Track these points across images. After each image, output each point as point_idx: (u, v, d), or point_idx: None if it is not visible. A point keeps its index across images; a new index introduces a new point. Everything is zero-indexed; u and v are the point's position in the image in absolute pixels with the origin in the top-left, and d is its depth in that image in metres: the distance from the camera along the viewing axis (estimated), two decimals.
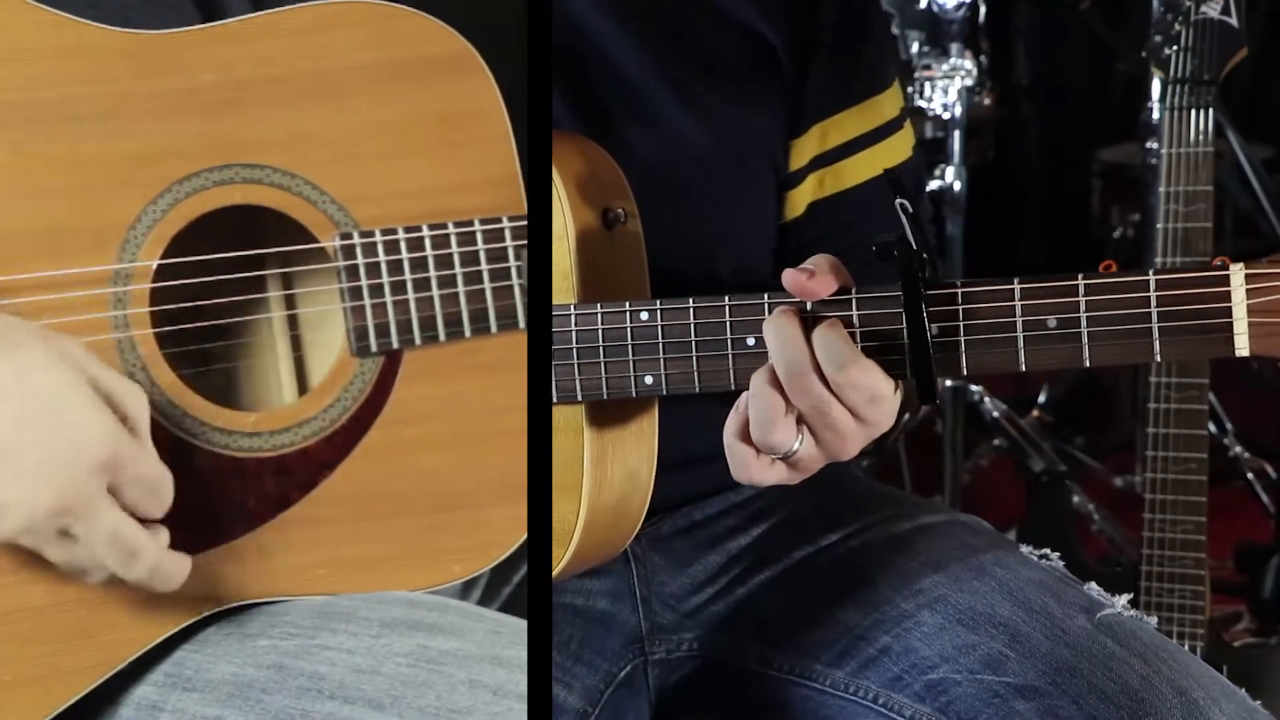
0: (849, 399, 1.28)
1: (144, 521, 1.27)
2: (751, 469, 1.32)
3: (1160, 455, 2.32)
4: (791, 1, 1.53)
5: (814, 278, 1.29)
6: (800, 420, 1.29)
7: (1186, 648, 1.91)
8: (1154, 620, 1.46)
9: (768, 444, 1.29)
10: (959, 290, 1.28)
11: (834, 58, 1.54)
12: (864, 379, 1.27)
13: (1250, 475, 3.38)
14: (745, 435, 1.31)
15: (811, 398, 1.28)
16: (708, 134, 1.52)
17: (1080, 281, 1.26)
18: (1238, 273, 1.23)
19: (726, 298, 1.33)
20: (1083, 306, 1.26)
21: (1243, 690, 1.39)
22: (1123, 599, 1.45)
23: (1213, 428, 3.13)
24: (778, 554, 1.56)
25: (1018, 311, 1.27)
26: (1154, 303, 1.25)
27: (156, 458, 1.27)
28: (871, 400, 1.28)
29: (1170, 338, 1.25)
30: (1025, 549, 1.53)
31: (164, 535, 1.28)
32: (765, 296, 1.32)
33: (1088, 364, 1.27)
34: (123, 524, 1.26)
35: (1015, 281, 1.27)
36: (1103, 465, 3.61)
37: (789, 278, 1.29)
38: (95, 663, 1.33)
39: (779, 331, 1.28)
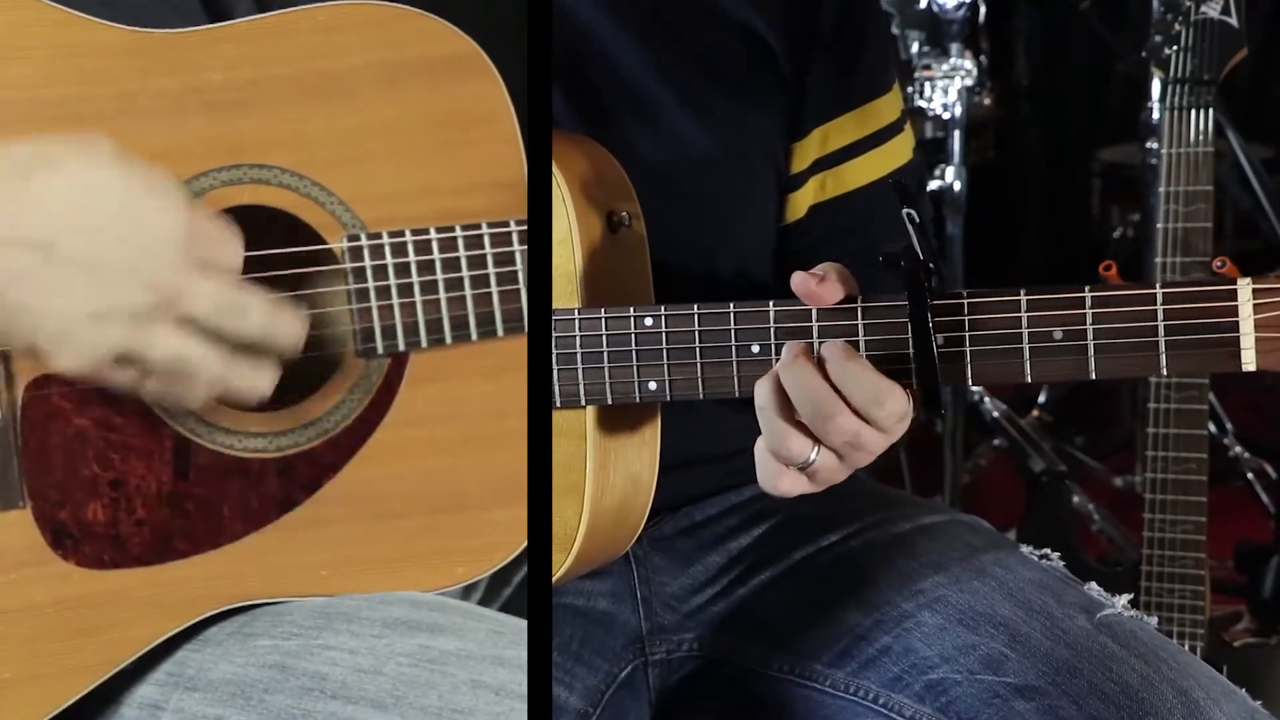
0: (881, 425, 1.28)
1: None
2: (778, 480, 1.32)
3: (1160, 455, 2.32)
4: (791, 4, 1.53)
5: (823, 283, 1.29)
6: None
7: (1186, 648, 1.91)
8: (1154, 620, 1.46)
9: (782, 455, 1.29)
10: (965, 301, 1.28)
11: (834, 61, 1.55)
12: (898, 406, 1.27)
13: (1250, 475, 3.38)
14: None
15: (844, 435, 1.27)
16: (709, 135, 1.52)
17: (1087, 294, 1.26)
18: (1245, 288, 1.23)
19: (731, 305, 1.33)
20: (1089, 319, 1.26)
21: (1243, 690, 1.40)
22: (1123, 599, 1.45)
23: (1213, 428, 3.13)
24: (778, 554, 1.56)
25: (1024, 323, 1.27)
26: (1161, 316, 1.25)
27: (212, 216, 1.28)
28: (901, 419, 1.28)
29: (1176, 352, 1.24)
30: (1025, 549, 1.53)
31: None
32: (770, 304, 1.32)
33: (1093, 376, 1.26)
34: (221, 286, 1.26)
35: (1022, 292, 1.27)
36: (1103, 465, 3.61)
37: (798, 281, 1.29)
38: (96, 661, 1.33)
39: (800, 381, 1.27)
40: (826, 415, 1.27)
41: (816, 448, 1.29)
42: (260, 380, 1.31)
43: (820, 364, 1.27)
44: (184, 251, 1.25)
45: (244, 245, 1.30)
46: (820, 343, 1.29)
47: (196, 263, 1.26)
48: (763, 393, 1.29)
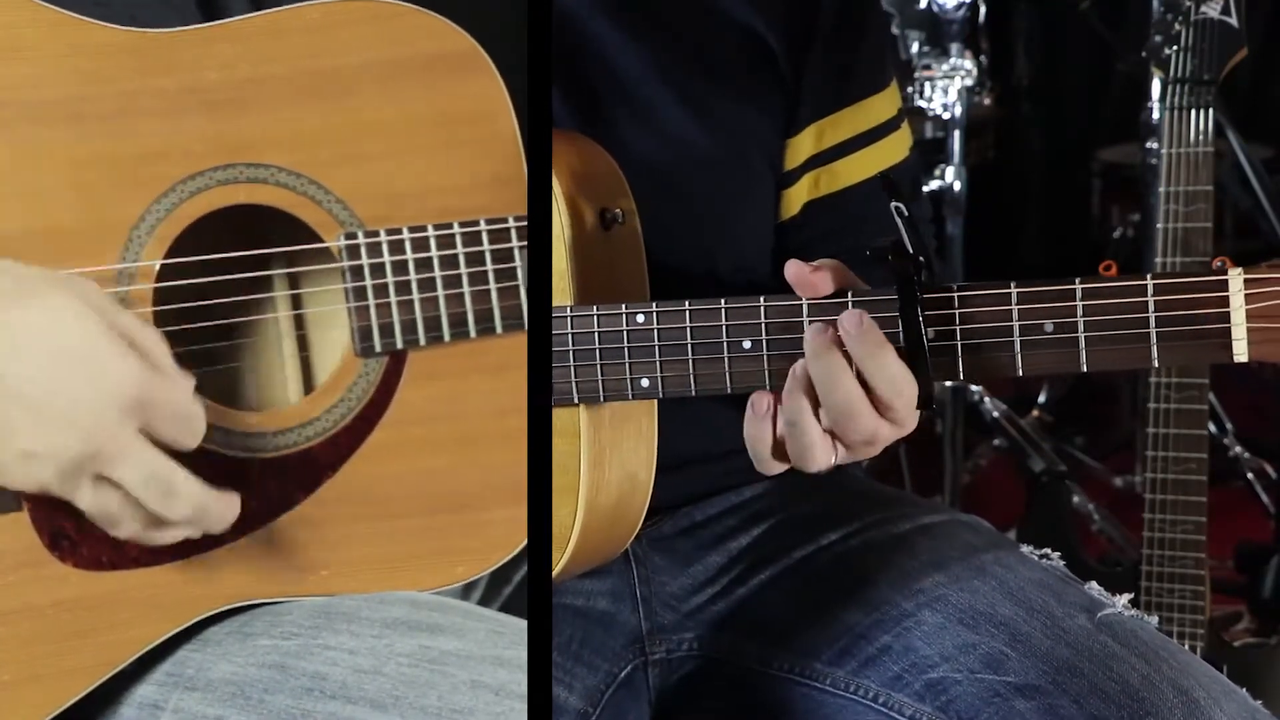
0: (898, 417, 1.28)
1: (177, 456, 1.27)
2: (773, 469, 1.32)
3: (1160, 455, 2.32)
4: (791, 3, 1.53)
5: (816, 272, 1.29)
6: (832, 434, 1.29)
7: (1186, 648, 1.91)
8: (1154, 620, 1.46)
9: (804, 462, 1.29)
10: (955, 294, 1.28)
11: (830, 57, 1.55)
12: (914, 398, 1.27)
13: (1250, 475, 3.38)
14: (771, 445, 1.31)
15: (864, 434, 1.27)
16: (706, 133, 1.52)
17: (1077, 286, 1.26)
18: (1236, 278, 1.23)
19: (723, 300, 1.33)
20: (1080, 311, 1.26)
21: (1243, 690, 1.40)
22: (1123, 598, 1.45)
23: (1213, 428, 3.12)
24: (778, 554, 1.56)
25: (1014, 316, 1.27)
26: (1152, 308, 1.25)
27: (184, 388, 1.27)
28: (914, 413, 1.28)
29: (1168, 343, 1.24)
30: (1026, 548, 1.53)
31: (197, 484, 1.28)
32: (762, 300, 1.32)
33: (1085, 369, 1.26)
34: (158, 461, 1.25)
35: (1012, 285, 1.27)
36: (1103, 465, 3.61)
37: (792, 268, 1.29)
38: (96, 662, 1.33)
39: (831, 377, 1.27)
40: (851, 415, 1.26)
41: (835, 455, 1.29)
42: (172, 536, 1.30)
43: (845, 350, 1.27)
44: (133, 415, 1.24)
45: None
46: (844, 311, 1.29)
47: (145, 431, 1.25)
48: (794, 407, 1.28)
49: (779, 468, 1.32)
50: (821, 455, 1.28)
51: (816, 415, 1.28)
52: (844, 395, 1.26)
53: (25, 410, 1.22)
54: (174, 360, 1.27)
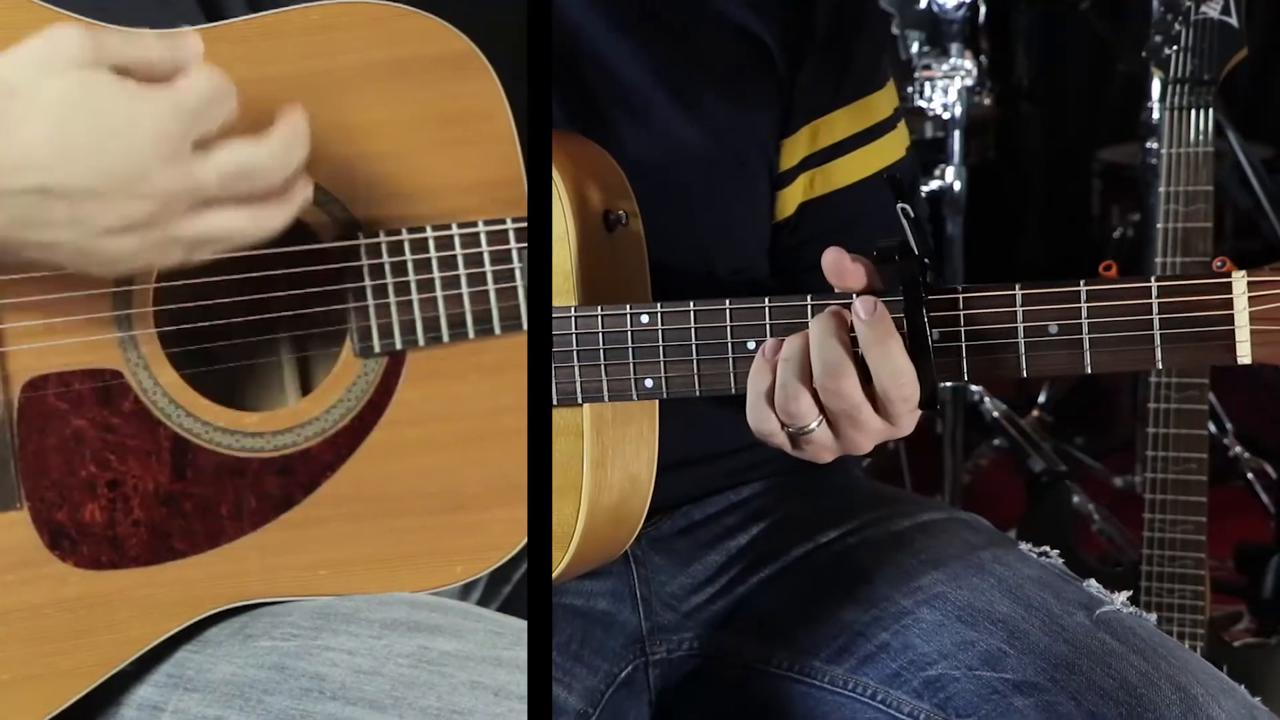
0: (891, 408, 1.28)
1: None
2: (771, 434, 1.32)
3: (1160, 455, 2.32)
4: (786, 2, 1.53)
5: (855, 262, 1.29)
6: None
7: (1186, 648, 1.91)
8: (1153, 618, 1.46)
9: (787, 410, 1.29)
10: (960, 295, 1.28)
11: (826, 56, 1.55)
12: (914, 394, 1.27)
13: (1250, 475, 3.38)
14: (770, 396, 1.31)
15: (846, 402, 1.28)
16: (703, 133, 1.52)
17: (1082, 288, 1.26)
18: (1239, 280, 1.23)
19: (727, 301, 1.33)
20: (1084, 313, 1.26)
21: (1242, 687, 1.40)
22: (1122, 595, 1.45)
23: (1213, 428, 3.12)
24: (777, 552, 1.56)
25: (1019, 317, 1.27)
26: (1156, 309, 1.25)
27: (201, 73, 1.25)
28: (911, 410, 1.28)
29: (1172, 345, 1.25)
30: (1025, 546, 1.53)
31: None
32: (766, 301, 1.32)
33: (1089, 370, 1.27)
34: (222, 157, 1.24)
35: (1017, 287, 1.27)
36: (1103, 465, 3.61)
37: (831, 254, 1.30)
38: (95, 662, 1.33)
39: (824, 335, 1.28)
40: (836, 375, 1.27)
41: (820, 419, 1.29)
42: (296, 198, 1.29)
43: (850, 329, 1.28)
44: (181, 142, 1.23)
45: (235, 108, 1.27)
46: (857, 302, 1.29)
47: (193, 142, 1.24)
48: (791, 346, 1.29)
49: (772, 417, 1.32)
50: (804, 408, 1.29)
51: (809, 377, 1.29)
52: (831, 352, 1.27)
53: (83, 199, 1.21)
54: (166, 40, 1.25)
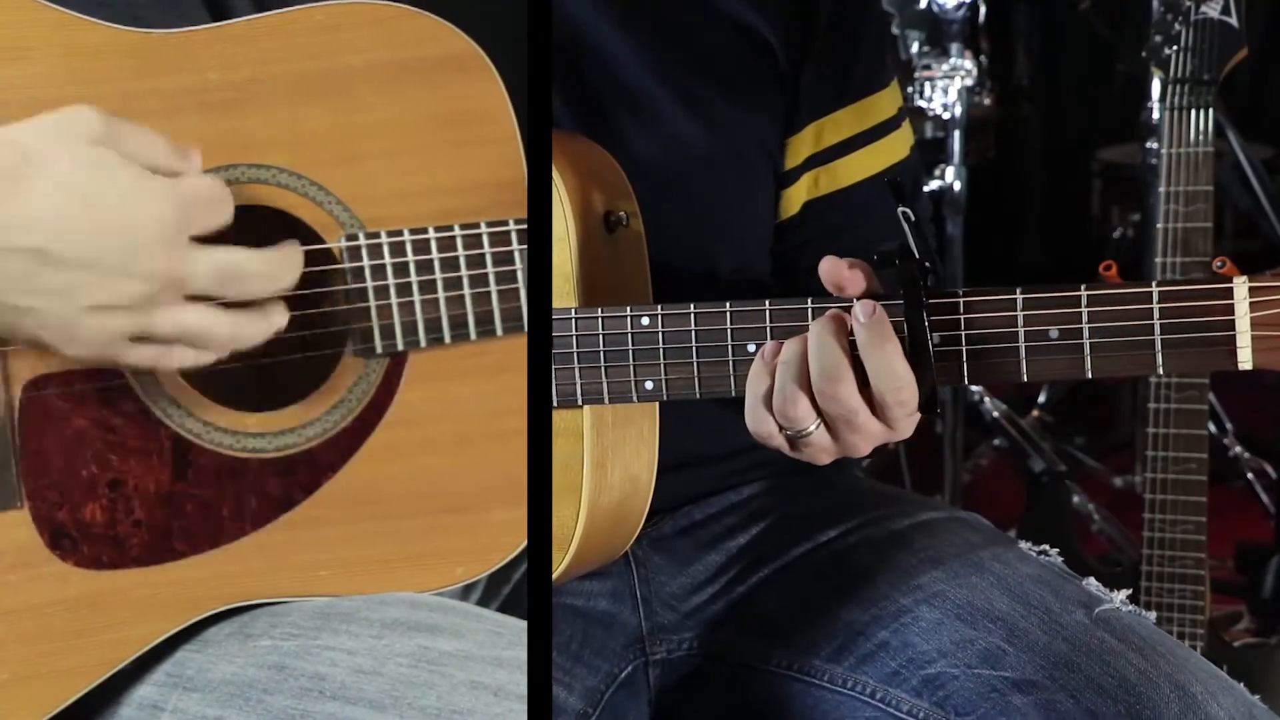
0: (889, 413, 1.28)
1: None
2: (770, 436, 1.32)
3: (1160, 455, 2.32)
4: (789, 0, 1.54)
5: (851, 269, 1.29)
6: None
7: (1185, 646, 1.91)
8: (1153, 618, 1.46)
9: (784, 414, 1.29)
10: (961, 300, 1.28)
11: (830, 56, 1.55)
12: (912, 400, 1.27)
13: (1250, 475, 3.39)
14: (768, 399, 1.31)
15: (843, 407, 1.28)
16: (706, 132, 1.52)
17: (1083, 293, 1.26)
18: (1241, 286, 1.23)
19: (728, 304, 1.33)
20: (1085, 318, 1.26)
21: (1241, 685, 1.40)
22: (1121, 594, 1.45)
23: (1213, 428, 3.13)
24: (777, 552, 1.56)
25: (1020, 322, 1.27)
26: (1157, 315, 1.25)
27: (204, 178, 1.30)
28: (909, 416, 1.28)
29: (1173, 350, 1.25)
30: (1024, 545, 1.53)
31: None
32: (767, 303, 1.32)
33: (1089, 375, 1.27)
34: (216, 255, 1.29)
35: (1018, 291, 1.27)
36: (1103, 465, 3.61)
37: (828, 263, 1.30)
38: (95, 662, 1.33)
39: (822, 339, 1.28)
40: (834, 379, 1.27)
41: (818, 422, 1.29)
42: (273, 319, 1.33)
43: (850, 333, 1.28)
44: (179, 231, 1.27)
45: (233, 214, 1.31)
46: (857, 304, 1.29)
47: (189, 236, 1.28)
48: (790, 350, 1.29)
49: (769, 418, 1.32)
50: (801, 412, 1.29)
51: (807, 381, 1.29)
52: (829, 356, 1.27)
53: (78, 270, 1.24)
54: (172, 146, 1.29)
